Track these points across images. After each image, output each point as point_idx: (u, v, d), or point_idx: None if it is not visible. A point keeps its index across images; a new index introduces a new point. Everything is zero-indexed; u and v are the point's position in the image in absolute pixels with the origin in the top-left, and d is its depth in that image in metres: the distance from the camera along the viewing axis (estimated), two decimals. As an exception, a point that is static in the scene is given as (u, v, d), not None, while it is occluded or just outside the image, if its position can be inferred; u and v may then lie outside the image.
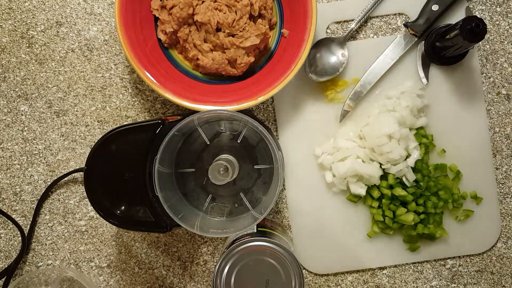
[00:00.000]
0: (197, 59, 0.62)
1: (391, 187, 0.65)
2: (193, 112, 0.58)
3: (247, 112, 0.68)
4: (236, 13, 0.61)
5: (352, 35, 0.68)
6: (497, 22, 0.68)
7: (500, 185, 0.68)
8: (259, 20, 0.62)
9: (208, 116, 0.57)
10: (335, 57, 0.66)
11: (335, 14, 0.67)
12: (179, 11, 0.60)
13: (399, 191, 0.64)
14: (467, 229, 0.67)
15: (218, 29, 0.62)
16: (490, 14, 0.68)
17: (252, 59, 0.62)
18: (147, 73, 0.61)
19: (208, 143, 0.60)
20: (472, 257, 0.68)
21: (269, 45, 0.65)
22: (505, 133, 0.68)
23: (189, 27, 0.62)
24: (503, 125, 0.68)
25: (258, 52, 0.63)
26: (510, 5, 0.68)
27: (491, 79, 0.68)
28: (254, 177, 0.61)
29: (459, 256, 0.68)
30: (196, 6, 0.61)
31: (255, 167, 0.61)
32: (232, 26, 0.61)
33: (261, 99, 0.60)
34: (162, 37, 0.63)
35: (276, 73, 0.61)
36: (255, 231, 0.58)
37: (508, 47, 0.68)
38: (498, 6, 0.68)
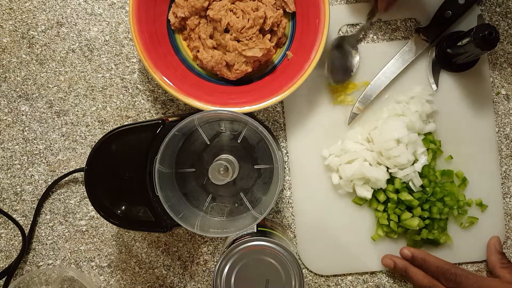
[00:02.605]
0: (198, 51, 0.63)
1: (397, 191, 0.64)
2: (193, 112, 0.58)
3: (246, 112, 0.68)
4: (248, 21, 0.61)
5: (364, 38, 0.67)
6: (497, 22, 0.68)
7: (500, 185, 0.68)
8: (268, 35, 0.62)
9: (209, 116, 0.57)
10: (351, 56, 0.66)
11: (348, 17, 0.67)
12: (195, 1, 0.61)
13: (405, 196, 0.63)
14: (471, 236, 0.67)
15: (227, 30, 0.62)
16: (489, 14, 0.68)
17: (249, 69, 0.62)
18: (143, 49, 0.61)
19: (208, 143, 0.60)
20: (475, 264, 0.68)
21: (273, 60, 0.65)
22: (505, 133, 0.68)
23: (200, 18, 0.62)
24: (503, 125, 0.68)
25: (258, 64, 0.64)
26: (509, 5, 0.68)
27: (491, 79, 0.68)
28: (254, 177, 0.61)
29: (462, 263, 0.68)
30: (213, 1, 0.61)
31: (255, 167, 0.61)
32: (240, 32, 0.61)
33: (246, 108, 0.61)
34: (172, 19, 0.63)
35: (270, 89, 0.62)
36: (255, 231, 0.58)
37: (508, 47, 0.68)
38: (497, 6, 0.68)
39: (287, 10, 0.63)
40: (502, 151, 0.68)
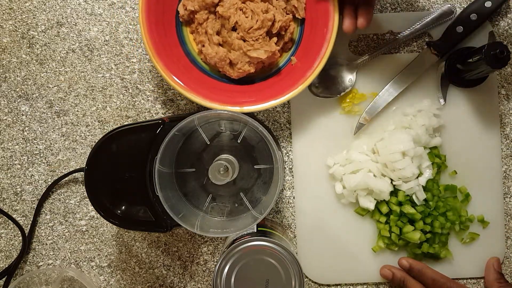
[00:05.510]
0: (203, 46, 0.63)
1: (400, 203, 0.64)
2: (193, 112, 0.58)
3: (246, 112, 0.68)
4: (256, 22, 0.61)
5: (374, 49, 0.67)
6: (497, 23, 0.68)
7: (503, 202, 0.67)
8: (274, 39, 0.62)
9: (209, 116, 0.57)
10: (342, 81, 0.66)
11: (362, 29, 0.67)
12: None
13: (408, 209, 0.63)
14: (471, 252, 0.67)
15: (234, 29, 0.62)
16: (501, 31, 0.68)
17: (252, 70, 0.62)
18: (149, 37, 0.61)
19: (208, 143, 0.60)
20: (474, 280, 0.68)
21: (277, 63, 0.65)
22: (505, 133, 0.68)
23: (208, 13, 0.63)
24: (503, 125, 0.68)
25: (262, 66, 0.64)
26: (509, 5, 0.68)
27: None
28: (254, 177, 0.62)
29: (461, 278, 0.67)
30: None
31: (255, 167, 0.61)
32: (247, 32, 0.61)
33: (246, 108, 0.61)
34: (181, 11, 0.63)
35: (271, 92, 0.62)
36: (255, 230, 0.58)
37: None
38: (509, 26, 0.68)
39: (297, 15, 0.63)
40: (503, 151, 0.68)
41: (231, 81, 0.64)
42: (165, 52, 0.62)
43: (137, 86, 0.69)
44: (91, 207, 0.69)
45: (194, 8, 0.62)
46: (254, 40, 0.61)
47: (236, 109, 0.61)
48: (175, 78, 0.61)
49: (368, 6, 0.59)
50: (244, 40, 0.62)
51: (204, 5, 0.62)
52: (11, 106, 0.69)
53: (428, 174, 0.64)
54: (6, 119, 0.70)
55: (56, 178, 0.69)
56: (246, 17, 0.61)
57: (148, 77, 0.69)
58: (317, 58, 0.61)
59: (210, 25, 0.63)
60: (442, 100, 0.66)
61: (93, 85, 0.69)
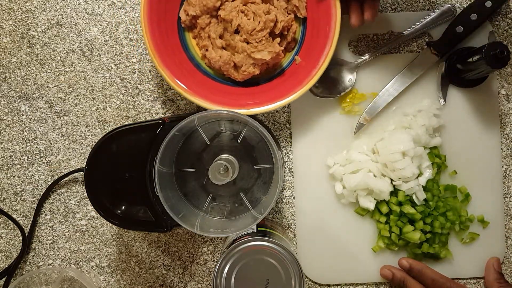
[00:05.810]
0: (206, 50, 0.63)
1: (400, 203, 0.64)
2: (193, 112, 0.58)
3: (252, 114, 0.68)
4: (259, 24, 0.61)
5: (374, 49, 0.67)
6: (497, 23, 0.68)
7: (503, 202, 0.67)
8: (277, 39, 0.62)
9: (209, 116, 0.57)
10: (342, 81, 0.66)
11: (362, 28, 0.66)
12: (207, 0, 0.61)
13: (408, 209, 0.63)
14: (471, 252, 0.67)
15: (237, 31, 0.62)
16: (501, 31, 0.68)
17: (256, 71, 0.62)
18: (151, 42, 0.61)
19: (208, 143, 0.60)
20: (474, 280, 0.68)
21: (281, 64, 0.65)
22: (505, 133, 0.68)
23: (211, 18, 0.63)
24: (503, 125, 0.68)
25: (266, 67, 0.64)
26: (509, 5, 0.68)
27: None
28: (254, 177, 0.61)
29: (461, 278, 0.67)
30: (225, 1, 0.62)
31: (255, 167, 0.61)
32: (250, 34, 0.61)
33: (252, 110, 0.61)
34: (183, 16, 0.63)
35: (276, 93, 0.62)
36: (255, 230, 0.58)
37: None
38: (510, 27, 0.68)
39: (298, 15, 0.63)
40: (503, 151, 0.68)
41: (236, 84, 0.64)
42: (167, 52, 0.62)
43: (137, 86, 0.69)
44: (91, 207, 0.69)
45: (195, 13, 0.62)
46: (257, 41, 0.61)
47: (243, 111, 0.61)
48: (179, 82, 0.61)
49: (374, 1, 0.59)
50: (248, 42, 0.62)
51: (206, 10, 0.62)
52: (11, 106, 0.69)
53: (428, 174, 0.64)
54: (6, 119, 0.70)
55: (56, 178, 0.69)
56: (248, 19, 0.61)
57: (148, 77, 0.69)
58: (321, 57, 0.61)
59: (212, 29, 0.63)
60: (442, 100, 0.66)
61: (93, 85, 0.69)
